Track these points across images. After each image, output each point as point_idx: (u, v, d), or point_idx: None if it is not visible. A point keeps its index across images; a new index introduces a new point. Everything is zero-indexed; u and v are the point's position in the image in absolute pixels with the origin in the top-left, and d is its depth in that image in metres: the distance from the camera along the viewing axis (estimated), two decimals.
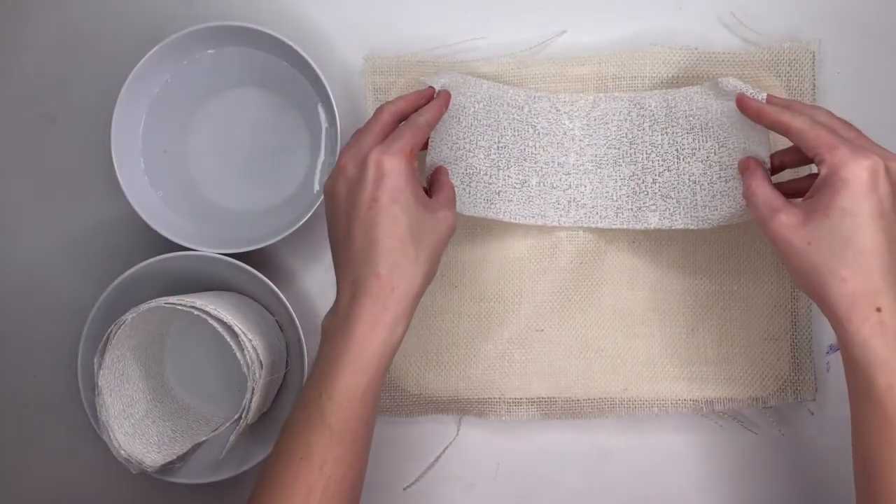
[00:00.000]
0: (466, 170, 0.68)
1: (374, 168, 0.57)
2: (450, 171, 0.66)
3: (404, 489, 0.71)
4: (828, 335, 0.71)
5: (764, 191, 0.59)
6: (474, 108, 0.68)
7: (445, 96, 0.65)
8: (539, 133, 0.69)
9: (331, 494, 0.54)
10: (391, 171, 0.57)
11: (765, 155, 0.65)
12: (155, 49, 0.66)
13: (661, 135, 0.69)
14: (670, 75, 0.70)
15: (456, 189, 0.65)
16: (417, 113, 0.62)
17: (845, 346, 0.54)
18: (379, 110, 0.62)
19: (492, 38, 0.71)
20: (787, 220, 0.56)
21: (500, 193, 0.68)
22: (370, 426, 0.57)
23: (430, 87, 0.66)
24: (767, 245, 0.70)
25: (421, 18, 0.72)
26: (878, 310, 0.53)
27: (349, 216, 0.57)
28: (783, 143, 0.69)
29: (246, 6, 0.72)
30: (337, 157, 0.62)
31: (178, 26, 0.66)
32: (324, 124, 0.69)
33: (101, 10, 0.72)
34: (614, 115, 0.70)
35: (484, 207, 0.68)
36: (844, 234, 0.54)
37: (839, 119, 0.60)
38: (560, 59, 0.70)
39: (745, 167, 0.63)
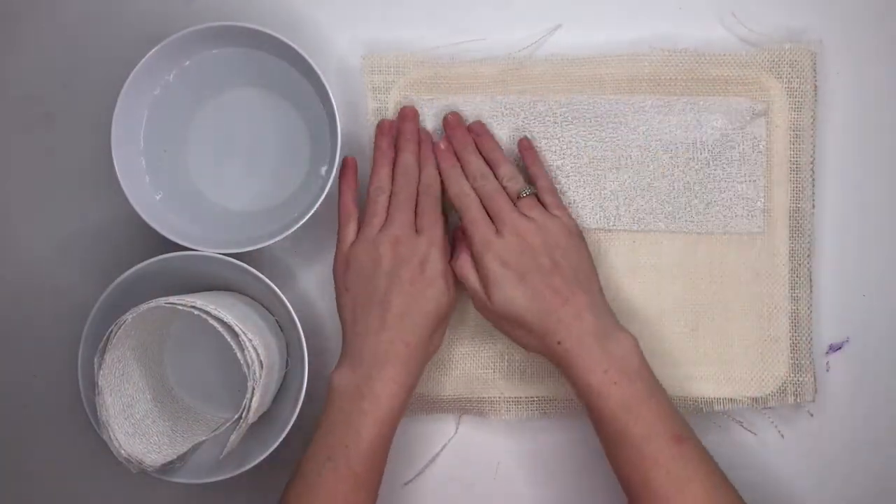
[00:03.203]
0: None
1: (426, 248, 0.65)
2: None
3: (404, 484, 0.71)
4: (827, 336, 0.71)
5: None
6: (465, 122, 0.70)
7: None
8: (535, 138, 0.70)
9: None
10: (434, 258, 0.65)
11: (759, 173, 0.68)
12: (155, 49, 0.65)
13: (657, 140, 0.70)
14: (669, 77, 0.70)
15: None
16: (424, 188, 0.68)
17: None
18: (404, 178, 0.68)
19: (491, 39, 0.71)
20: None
21: None
22: (384, 469, 0.63)
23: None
24: (768, 247, 0.70)
25: (421, 18, 0.72)
26: (559, 342, 0.63)
27: (391, 284, 0.64)
28: (779, 152, 0.69)
29: (246, 6, 0.72)
30: (374, 211, 0.67)
31: (178, 26, 0.66)
32: (324, 124, 0.69)
33: (101, 11, 0.72)
34: (611, 118, 0.70)
35: None
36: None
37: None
38: (559, 61, 0.70)
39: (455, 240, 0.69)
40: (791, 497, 0.71)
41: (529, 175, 0.69)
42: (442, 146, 0.69)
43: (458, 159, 0.69)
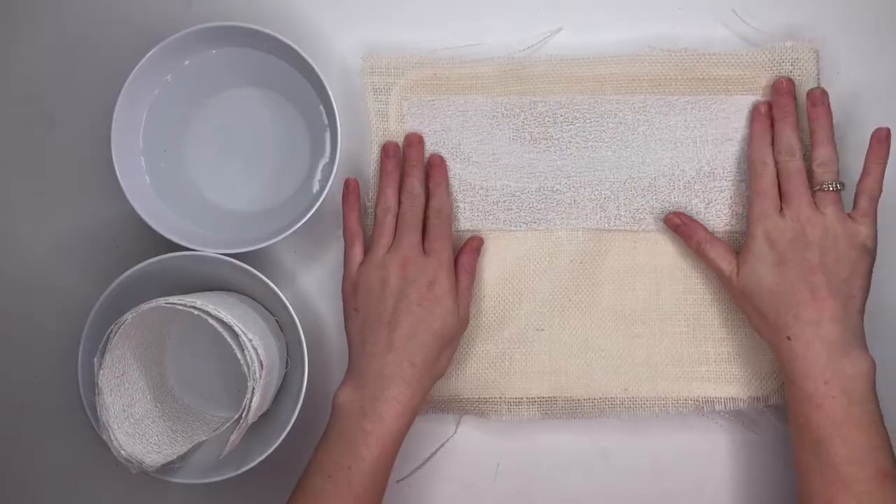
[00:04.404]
0: (460, 186, 0.70)
1: (434, 269, 0.65)
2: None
3: (397, 482, 0.71)
4: None
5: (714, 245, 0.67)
6: (464, 126, 0.69)
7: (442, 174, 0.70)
8: (535, 139, 0.70)
9: None
10: (442, 279, 0.65)
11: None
12: (155, 49, 0.65)
13: (658, 140, 0.70)
14: (670, 77, 0.70)
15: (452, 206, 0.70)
16: (435, 212, 0.68)
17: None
18: (411, 197, 0.68)
19: (492, 40, 0.71)
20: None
21: (498, 204, 0.70)
22: (385, 489, 0.63)
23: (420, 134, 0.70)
24: None
25: (423, 19, 0.72)
26: (788, 338, 0.61)
27: (399, 304, 0.64)
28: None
29: (246, 6, 0.72)
30: (381, 232, 0.67)
31: (178, 26, 0.66)
32: (324, 124, 0.69)
33: (101, 10, 0.72)
34: (611, 117, 0.70)
35: (481, 220, 0.70)
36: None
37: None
38: (559, 61, 0.70)
39: (679, 224, 0.68)
40: (791, 496, 0.70)
41: (864, 168, 0.64)
42: (762, 109, 0.67)
43: (774, 126, 0.67)
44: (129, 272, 0.65)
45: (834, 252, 0.62)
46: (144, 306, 0.62)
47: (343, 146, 0.66)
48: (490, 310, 0.71)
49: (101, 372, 0.63)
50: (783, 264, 0.62)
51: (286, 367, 0.69)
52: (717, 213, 0.70)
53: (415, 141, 0.70)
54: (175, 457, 0.65)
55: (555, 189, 0.70)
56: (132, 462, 0.63)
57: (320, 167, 0.70)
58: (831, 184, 0.64)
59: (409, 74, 0.71)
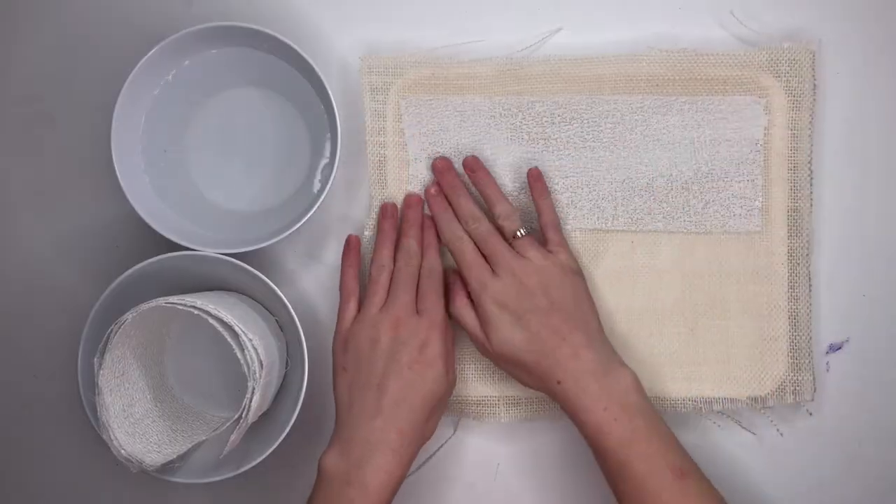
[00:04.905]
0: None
1: (426, 331, 0.65)
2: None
3: None
4: (827, 336, 0.71)
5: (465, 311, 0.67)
6: (462, 126, 0.70)
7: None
8: (533, 139, 0.70)
9: None
10: (434, 341, 0.65)
11: (757, 172, 0.68)
12: (155, 49, 0.65)
13: (655, 140, 0.70)
14: (668, 77, 0.70)
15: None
16: (427, 272, 0.68)
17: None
18: (406, 254, 0.68)
19: (491, 40, 0.71)
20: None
21: None
22: None
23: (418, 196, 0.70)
24: (766, 246, 0.70)
25: (422, 19, 0.72)
26: (558, 382, 0.63)
27: (388, 367, 0.64)
28: (777, 151, 0.69)
29: (246, 6, 0.72)
30: (375, 290, 0.67)
31: (178, 26, 0.66)
32: (324, 124, 0.69)
33: (101, 10, 0.72)
34: (609, 118, 0.70)
35: None
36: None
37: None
38: (557, 61, 0.70)
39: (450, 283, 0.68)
40: (791, 496, 0.71)
41: (536, 207, 0.69)
42: (432, 191, 0.70)
43: (450, 203, 0.69)
44: (129, 272, 0.65)
45: (555, 288, 0.65)
46: (144, 306, 0.62)
47: (343, 146, 0.66)
48: None
49: (101, 372, 0.63)
50: (521, 318, 0.64)
51: (286, 367, 0.69)
52: (714, 213, 0.70)
53: (413, 202, 0.70)
54: (175, 456, 0.65)
55: (552, 189, 0.70)
56: (132, 462, 0.63)
57: (320, 167, 0.70)
58: (519, 230, 0.67)
59: (407, 74, 0.71)
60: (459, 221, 0.68)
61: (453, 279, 0.68)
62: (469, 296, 0.66)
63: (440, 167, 0.70)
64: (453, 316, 0.67)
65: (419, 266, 0.68)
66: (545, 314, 0.64)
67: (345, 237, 0.70)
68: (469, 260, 0.66)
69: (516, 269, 0.65)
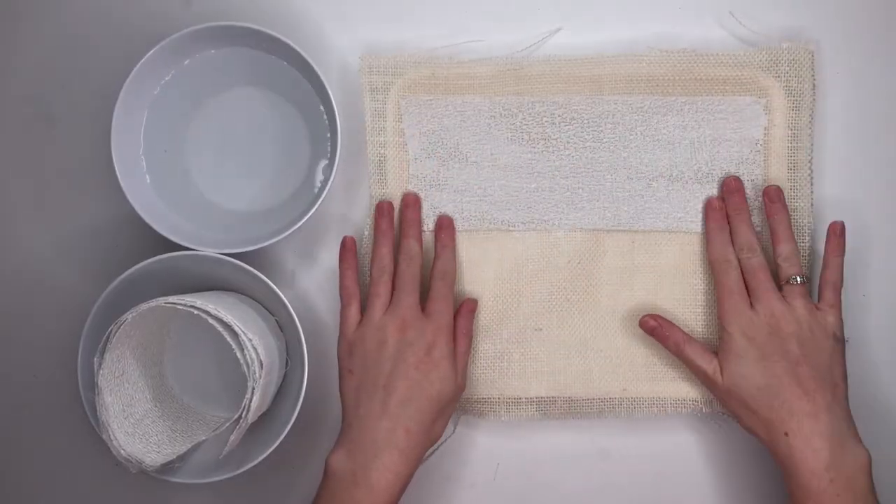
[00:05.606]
0: (459, 187, 0.70)
1: (433, 333, 0.64)
2: (440, 189, 0.70)
3: None
4: None
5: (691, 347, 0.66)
6: (462, 126, 0.69)
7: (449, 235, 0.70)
8: (533, 139, 0.70)
9: None
10: (441, 343, 0.64)
11: (757, 172, 0.68)
12: (155, 49, 0.66)
13: (655, 141, 0.70)
14: (668, 77, 0.70)
15: (449, 207, 0.70)
16: (440, 273, 0.68)
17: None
18: (408, 256, 0.67)
19: (491, 40, 0.71)
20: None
21: (496, 204, 0.70)
22: None
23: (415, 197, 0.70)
24: (765, 244, 0.70)
25: (422, 19, 0.72)
26: (786, 434, 0.61)
27: (395, 368, 0.63)
28: (777, 151, 0.69)
29: (246, 6, 0.72)
30: (377, 292, 0.67)
31: (178, 26, 0.66)
32: (324, 124, 0.69)
33: (101, 10, 0.72)
34: (609, 118, 0.70)
35: (479, 220, 0.70)
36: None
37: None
38: (557, 61, 0.70)
39: (655, 326, 0.68)
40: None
41: (824, 261, 0.67)
42: (716, 204, 0.68)
43: (730, 223, 0.68)
44: (129, 272, 0.65)
45: (811, 343, 0.63)
46: (144, 306, 0.63)
47: (343, 146, 0.66)
48: (488, 309, 0.71)
49: (101, 372, 0.63)
50: (766, 359, 0.63)
51: (286, 367, 0.69)
52: None
53: (411, 202, 0.70)
54: (175, 456, 0.65)
55: (553, 189, 0.70)
56: (132, 462, 0.63)
57: (320, 167, 0.70)
58: (796, 277, 0.65)
59: (407, 74, 0.71)
60: (736, 245, 0.67)
61: (655, 324, 0.67)
62: (719, 323, 0.65)
63: (732, 186, 0.68)
64: (673, 351, 0.67)
65: (420, 266, 0.68)
66: (794, 363, 0.62)
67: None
68: (730, 285, 0.65)
69: (776, 311, 0.64)
